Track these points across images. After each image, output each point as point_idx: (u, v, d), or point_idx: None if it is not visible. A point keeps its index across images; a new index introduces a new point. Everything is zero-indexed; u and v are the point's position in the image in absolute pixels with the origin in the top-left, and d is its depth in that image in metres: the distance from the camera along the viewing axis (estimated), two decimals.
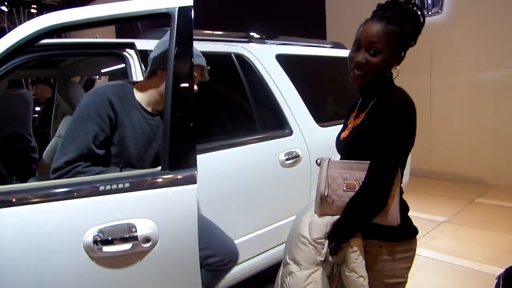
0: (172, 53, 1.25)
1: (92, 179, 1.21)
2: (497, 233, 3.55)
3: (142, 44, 1.94)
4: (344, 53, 3.15)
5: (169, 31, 1.30)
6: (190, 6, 1.28)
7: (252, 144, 2.20)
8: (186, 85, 1.24)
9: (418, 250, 1.42)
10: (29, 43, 1.29)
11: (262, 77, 2.36)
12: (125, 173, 1.27)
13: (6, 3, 11.48)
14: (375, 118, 1.27)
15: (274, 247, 2.31)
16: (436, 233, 3.65)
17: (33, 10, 12.34)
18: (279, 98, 2.39)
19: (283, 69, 2.50)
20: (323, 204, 1.34)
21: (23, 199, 1.13)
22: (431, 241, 3.48)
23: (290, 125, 2.40)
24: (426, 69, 5.53)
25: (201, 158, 1.63)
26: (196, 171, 1.21)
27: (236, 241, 2.07)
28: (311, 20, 7.09)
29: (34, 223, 1.14)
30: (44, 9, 13.21)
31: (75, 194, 1.16)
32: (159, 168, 1.23)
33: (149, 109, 1.52)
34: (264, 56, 2.44)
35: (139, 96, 1.51)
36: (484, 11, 4.89)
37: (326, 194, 1.31)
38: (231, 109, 2.34)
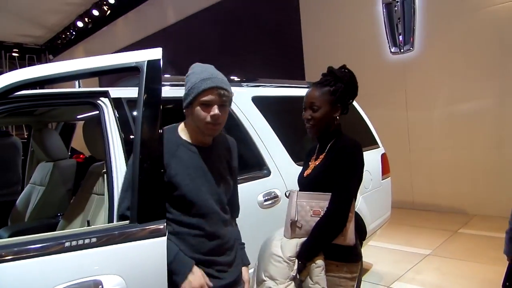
0: (141, 104, 1.26)
1: (59, 234, 1.17)
2: (481, 264, 3.55)
3: (116, 92, 1.96)
4: None
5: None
6: (157, 59, 1.32)
7: None
8: (154, 135, 1.25)
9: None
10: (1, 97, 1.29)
11: (238, 120, 2.39)
12: (93, 228, 1.24)
13: None
14: (333, 158, 1.63)
15: None
16: (422, 267, 3.63)
17: (14, 54, 12.43)
18: (256, 140, 2.41)
19: (260, 111, 2.55)
20: (292, 228, 1.65)
21: None
22: (417, 275, 3.45)
23: (268, 165, 2.41)
24: (402, 103, 5.71)
25: None
26: (165, 223, 1.20)
27: None
28: (292, 62, 7.31)
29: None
30: (26, 52, 13.32)
31: (41, 251, 1.12)
32: (127, 221, 1.21)
33: (196, 144, 1.48)
34: (240, 98, 2.49)
35: (183, 134, 1.48)
36: (455, 47, 5.13)
37: (296, 220, 1.63)
38: None
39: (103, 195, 2.05)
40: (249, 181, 2.29)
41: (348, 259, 1.65)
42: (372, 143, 3.40)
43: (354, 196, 1.61)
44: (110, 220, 1.69)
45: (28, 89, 1.63)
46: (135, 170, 1.22)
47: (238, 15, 8.19)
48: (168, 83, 2.24)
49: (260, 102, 2.59)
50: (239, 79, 2.89)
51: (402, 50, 5.58)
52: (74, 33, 12.45)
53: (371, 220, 3.15)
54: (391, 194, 3.56)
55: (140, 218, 1.20)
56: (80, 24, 11.69)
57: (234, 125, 2.38)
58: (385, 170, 3.42)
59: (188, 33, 9.38)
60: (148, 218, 1.20)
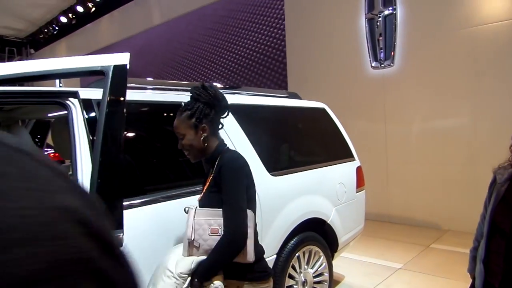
0: (104, 107, 1.23)
1: None
2: (450, 280, 3.60)
3: (86, 93, 1.91)
4: (299, 103, 3.26)
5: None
6: (124, 64, 1.29)
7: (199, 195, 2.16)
8: (116, 141, 1.22)
9: None
10: None
11: None
12: None
13: None
14: (216, 177, 1.62)
15: None
16: (392, 281, 3.66)
17: None
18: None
19: (235, 119, 2.53)
20: (190, 247, 1.57)
21: None
22: None
23: None
24: (381, 117, 5.79)
25: (154, 207, 1.60)
26: (122, 234, 1.16)
27: None
28: (275, 72, 7.34)
29: None
30: (6, 45, 13.00)
31: None
32: None
33: None
34: None
35: None
36: (432, 65, 5.25)
37: (192, 239, 1.56)
38: (179, 159, 2.31)
39: None
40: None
41: (250, 277, 1.62)
42: (347, 156, 3.42)
43: (245, 210, 1.58)
44: None
45: None
46: (93, 175, 1.18)
47: (223, 21, 8.19)
48: (151, 87, 2.21)
49: (236, 110, 2.57)
50: (221, 86, 2.87)
51: (382, 65, 5.68)
52: (57, 28, 12.22)
53: (344, 232, 3.17)
54: (365, 207, 3.58)
55: None
56: (63, 19, 11.49)
57: None
58: (360, 183, 3.45)
59: (172, 35, 9.32)
60: None
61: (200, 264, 1.52)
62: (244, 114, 2.62)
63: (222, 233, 1.54)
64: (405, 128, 5.59)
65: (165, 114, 2.36)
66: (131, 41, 10.09)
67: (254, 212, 1.64)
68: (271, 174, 2.59)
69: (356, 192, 3.39)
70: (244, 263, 1.55)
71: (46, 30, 12.68)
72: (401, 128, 5.63)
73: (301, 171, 2.87)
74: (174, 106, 2.29)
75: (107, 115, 1.22)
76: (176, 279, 1.48)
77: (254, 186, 1.72)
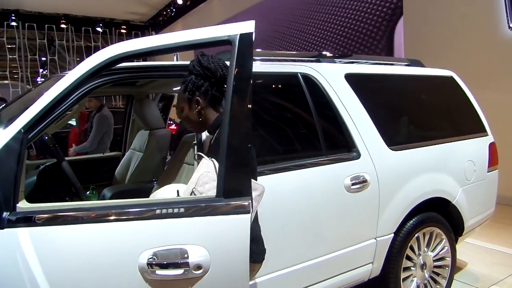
0: (232, 78, 1.25)
1: (152, 201, 1.24)
2: None
3: None
4: (423, 71, 2.96)
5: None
6: (250, 32, 1.28)
7: (316, 167, 2.12)
8: (244, 110, 1.23)
9: None
10: (103, 68, 1.39)
11: (329, 98, 2.28)
12: (181, 198, 1.29)
13: (101, 24, 12.75)
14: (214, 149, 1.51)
15: (338, 275, 2.20)
16: None
17: (123, 31, 13.53)
18: (347, 120, 2.28)
19: (353, 89, 2.40)
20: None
21: (84, 217, 1.20)
22: None
23: (357, 148, 2.28)
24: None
25: (262, 180, 1.62)
26: (250, 200, 1.19)
27: (296, 267, 2.01)
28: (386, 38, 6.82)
29: (94, 241, 1.20)
30: (132, 29, 14.45)
31: (133, 215, 1.20)
32: (214, 194, 1.23)
33: None
34: (333, 75, 2.36)
35: None
36: None
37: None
38: (295, 130, 2.29)
39: (193, 165, 2.14)
40: (335, 163, 2.19)
41: None
42: (478, 130, 3.02)
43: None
44: None
45: (131, 61, 1.75)
46: (222, 145, 1.22)
47: None
48: (259, 58, 2.21)
49: (353, 80, 2.43)
50: (331, 55, 2.75)
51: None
52: (174, 10, 13.14)
53: (471, 215, 2.84)
54: (497, 189, 3.15)
55: (226, 193, 1.20)
56: (179, 1, 12.28)
57: (323, 103, 2.28)
58: (493, 161, 3.02)
59: (281, 7, 9.27)
60: (233, 194, 1.20)
61: None
62: (361, 84, 2.46)
63: None
64: None
65: (274, 86, 2.33)
66: (241, 17, 10.34)
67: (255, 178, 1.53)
68: (390, 148, 2.41)
69: (488, 172, 2.99)
70: None
71: (164, 13, 13.73)
72: None
73: (425, 146, 2.62)
74: (285, 77, 2.27)
75: (235, 85, 1.24)
76: None
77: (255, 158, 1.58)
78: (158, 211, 1.18)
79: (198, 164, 1.48)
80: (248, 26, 1.28)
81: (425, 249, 2.62)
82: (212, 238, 1.21)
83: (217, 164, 1.44)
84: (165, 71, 1.93)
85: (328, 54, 2.73)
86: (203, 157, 1.47)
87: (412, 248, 2.53)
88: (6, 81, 11.46)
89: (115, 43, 1.49)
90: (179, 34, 1.34)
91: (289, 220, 1.98)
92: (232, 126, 1.22)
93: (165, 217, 1.19)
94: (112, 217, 1.21)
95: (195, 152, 1.74)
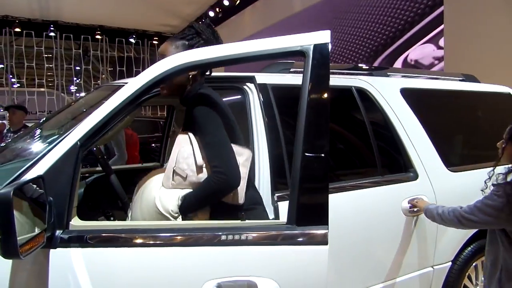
0: (306, 91, 1.13)
1: (215, 225, 1.13)
2: None
3: (262, 77, 1.89)
4: (479, 87, 2.77)
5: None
6: (325, 43, 1.17)
7: (371, 188, 1.98)
8: (321, 128, 1.11)
9: None
10: (167, 78, 1.31)
11: (385, 114, 2.14)
12: (248, 223, 1.17)
13: (134, 36, 13.02)
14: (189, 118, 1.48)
15: None
16: None
17: (154, 42, 13.78)
18: (404, 138, 2.13)
19: (409, 105, 2.25)
20: (174, 176, 1.35)
21: (141, 240, 1.11)
22: None
23: (415, 168, 2.12)
24: None
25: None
26: (327, 229, 1.06)
27: None
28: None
29: (152, 267, 1.09)
30: (164, 41, 14.70)
31: (195, 241, 1.10)
32: (285, 221, 1.11)
33: None
34: (388, 90, 2.23)
35: None
36: None
37: (179, 167, 1.34)
38: (350, 147, 2.15)
39: None
40: (392, 184, 2.04)
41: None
42: None
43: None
44: None
45: None
46: (295, 165, 1.10)
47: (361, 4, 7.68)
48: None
49: (409, 95, 2.28)
50: (367, 67, 2.62)
51: None
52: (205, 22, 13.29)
53: None
54: None
55: (300, 220, 1.08)
56: (211, 13, 12.40)
57: (379, 119, 2.14)
58: None
59: (313, 21, 9.19)
60: (308, 221, 1.08)
61: (185, 198, 1.33)
62: (417, 99, 2.31)
63: (212, 172, 1.31)
64: None
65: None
66: (273, 29, 10.33)
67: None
68: (448, 169, 2.24)
69: None
70: (234, 204, 1.34)
71: None
72: None
73: (483, 167, 2.43)
74: (339, 91, 2.14)
75: (310, 101, 1.12)
76: (173, 217, 1.31)
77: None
78: (223, 237, 1.07)
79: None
80: (323, 36, 1.17)
81: (483, 278, 2.42)
82: (284, 270, 1.09)
83: (192, 137, 1.37)
84: (214, 82, 1.85)
85: (364, 66, 2.59)
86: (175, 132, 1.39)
87: (469, 278, 2.34)
88: (42, 89, 11.81)
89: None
90: (248, 44, 1.25)
91: (342, 244, 1.83)
92: (307, 145, 1.10)
93: (231, 244, 1.07)
94: (172, 241, 1.11)
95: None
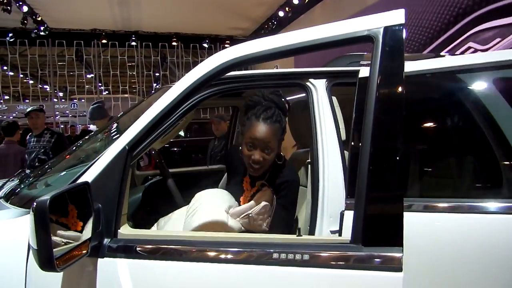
0: (375, 84, 0.94)
1: (267, 241, 0.99)
2: None
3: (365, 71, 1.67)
4: None
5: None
6: (399, 24, 0.96)
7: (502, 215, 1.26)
8: (393, 127, 0.91)
9: None
10: (213, 77, 1.20)
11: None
12: (304, 238, 1.01)
13: (207, 41, 13.48)
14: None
15: None
16: None
17: (226, 45, 14.12)
18: None
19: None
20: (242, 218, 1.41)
21: (190, 253, 1.00)
22: None
23: None
24: None
25: (413, 218, 1.17)
26: (402, 252, 0.86)
27: None
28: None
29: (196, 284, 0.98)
30: (236, 43, 14.99)
31: (247, 258, 0.96)
32: (348, 237, 0.92)
33: None
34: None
35: None
36: None
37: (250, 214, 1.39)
38: (458, 152, 1.54)
39: (305, 186, 1.87)
40: None
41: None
42: None
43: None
44: (313, 217, 1.49)
45: (235, 70, 1.53)
46: (362, 171, 0.91)
47: None
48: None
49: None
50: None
51: None
52: (275, 22, 13.23)
53: None
54: None
55: (367, 239, 0.89)
56: (281, 13, 12.31)
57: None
58: None
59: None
60: (377, 241, 0.88)
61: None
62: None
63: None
64: None
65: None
66: None
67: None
68: None
69: None
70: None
71: (266, 26, 13.89)
72: None
73: None
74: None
75: (379, 97, 0.93)
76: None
77: None
78: (275, 255, 0.92)
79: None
80: (396, 16, 0.97)
81: None
82: None
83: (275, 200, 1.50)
84: (280, 79, 1.72)
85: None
86: (266, 184, 1.48)
87: None
88: (126, 95, 12.75)
89: None
90: (302, 33, 1.09)
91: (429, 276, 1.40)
92: (376, 147, 0.90)
93: (284, 264, 0.92)
94: (220, 256, 0.99)
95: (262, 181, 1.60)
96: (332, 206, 1.52)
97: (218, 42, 14.14)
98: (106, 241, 1.11)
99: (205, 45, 13.40)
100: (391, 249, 0.86)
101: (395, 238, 0.86)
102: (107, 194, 1.13)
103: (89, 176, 1.13)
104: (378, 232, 0.88)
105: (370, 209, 0.88)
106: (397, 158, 0.88)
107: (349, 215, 1.43)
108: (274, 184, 1.55)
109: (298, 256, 0.90)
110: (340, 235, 1.46)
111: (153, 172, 2.95)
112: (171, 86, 1.44)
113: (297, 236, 1.04)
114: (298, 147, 2.22)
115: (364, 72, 1.50)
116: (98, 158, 1.17)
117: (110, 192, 1.14)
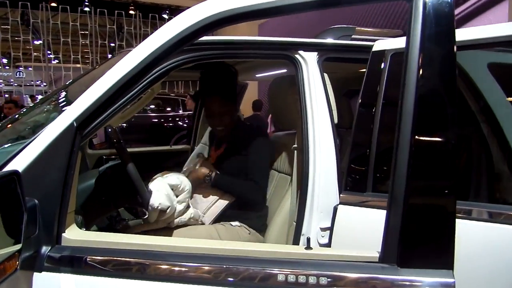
0: (416, 57, 0.71)
1: (266, 254, 0.75)
2: None
3: (380, 44, 1.38)
4: None
5: None
6: None
7: None
8: (441, 113, 0.70)
9: None
10: (190, 38, 0.93)
11: None
12: (316, 253, 0.77)
13: (167, 11, 12.88)
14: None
15: None
16: None
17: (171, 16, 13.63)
18: None
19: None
20: None
21: (152, 272, 0.75)
22: None
23: None
24: None
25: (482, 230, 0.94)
26: (453, 277, 0.65)
27: None
28: None
29: None
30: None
31: (232, 278, 0.72)
32: (377, 254, 0.70)
33: None
34: None
35: None
36: None
37: None
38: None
39: (289, 175, 1.65)
40: None
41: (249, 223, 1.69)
42: None
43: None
44: (300, 211, 1.28)
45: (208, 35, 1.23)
46: (399, 166, 0.68)
47: None
48: None
49: None
50: None
51: None
52: None
53: None
54: None
55: (404, 259, 0.67)
56: None
57: None
58: None
59: None
60: (419, 261, 0.66)
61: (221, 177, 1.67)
62: None
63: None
64: None
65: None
66: None
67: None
68: None
69: None
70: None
71: None
72: None
73: None
74: None
75: (424, 71, 0.70)
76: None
77: None
78: (280, 277, 0.69)
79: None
80: None
81: None
82: None
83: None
84: (264, 49, 1.46)
85: None
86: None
87: None
88: (78, 65, 11.90)
89: None
90: None
91: None
92: (422, 140, 0.68)
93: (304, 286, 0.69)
94: (203, 275, 0.74)
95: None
96: (323, 199, 1.34)
97: (178, 13, 13.54)
98: (44, 249, 0.82)
99: (165, 15, 12.71)
100: (438, 272, 0.65)
101: (445, 258, 0.65)
102: (46, 186, 0.84)
103: (20, 162, 0.83)
104: (420, 250, 0.67)
105: (410, 218, 0.66)
106: (450, 150, 0.67)
107: (344, 210, 1.25)
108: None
109: (312, 280, 0.67)
110: (331, 233, 1.28)
111: (110, 151, 2.61)
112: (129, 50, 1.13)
113: (305, 248, 0.79)
114: (278, 130, 1.99)
115: (379, 45, 1.28)
116: (34, 139, 0.87)
117: (51, 184, 0.84)
